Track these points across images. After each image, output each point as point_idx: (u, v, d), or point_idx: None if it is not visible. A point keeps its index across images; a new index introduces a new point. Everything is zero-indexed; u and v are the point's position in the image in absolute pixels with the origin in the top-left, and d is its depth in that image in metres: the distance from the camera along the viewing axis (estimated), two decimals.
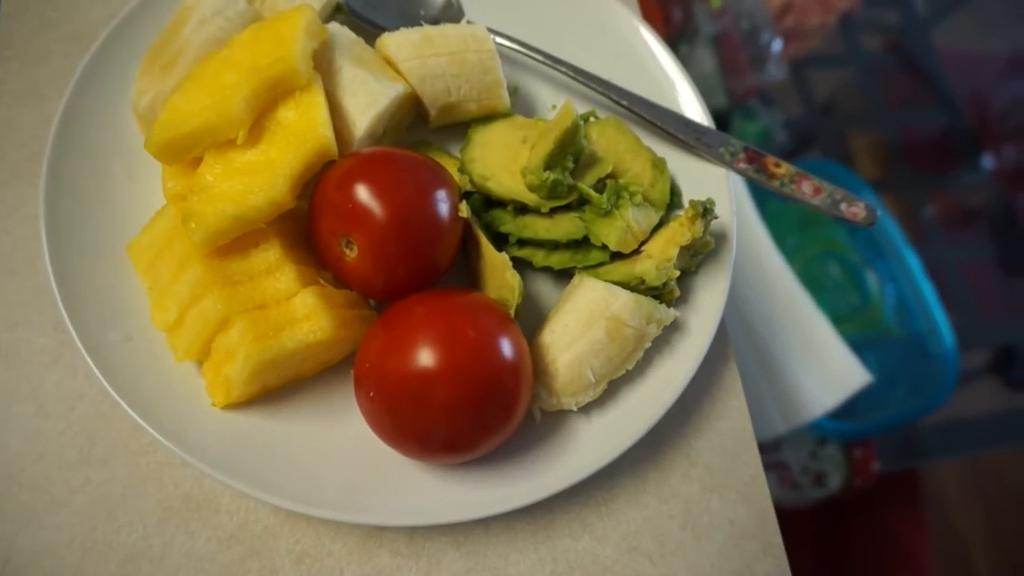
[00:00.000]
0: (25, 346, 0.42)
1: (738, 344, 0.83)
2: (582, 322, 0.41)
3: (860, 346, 0.96)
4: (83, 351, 0.38)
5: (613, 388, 0.44)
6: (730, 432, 0.48)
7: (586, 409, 0.43)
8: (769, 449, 1.06)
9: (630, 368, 0.43)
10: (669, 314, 0.43)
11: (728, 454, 0.47)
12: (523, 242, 0.45)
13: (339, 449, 0.40)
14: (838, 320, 0.95)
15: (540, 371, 0.41)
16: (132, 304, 0.41)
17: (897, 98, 1.44)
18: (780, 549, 0.46)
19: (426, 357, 0.36)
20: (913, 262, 1.09)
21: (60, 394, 0.42)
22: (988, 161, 1.41)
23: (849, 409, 1.02)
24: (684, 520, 0.45)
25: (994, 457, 1.37)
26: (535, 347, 0.42)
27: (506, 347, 0.37)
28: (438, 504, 0.39)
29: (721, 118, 1.19)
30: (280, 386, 0.41)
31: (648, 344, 0.43)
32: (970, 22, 1.57)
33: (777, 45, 1.16)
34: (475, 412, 0.37)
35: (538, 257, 0.45)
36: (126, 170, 0.45)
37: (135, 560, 0.39)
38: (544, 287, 0.47)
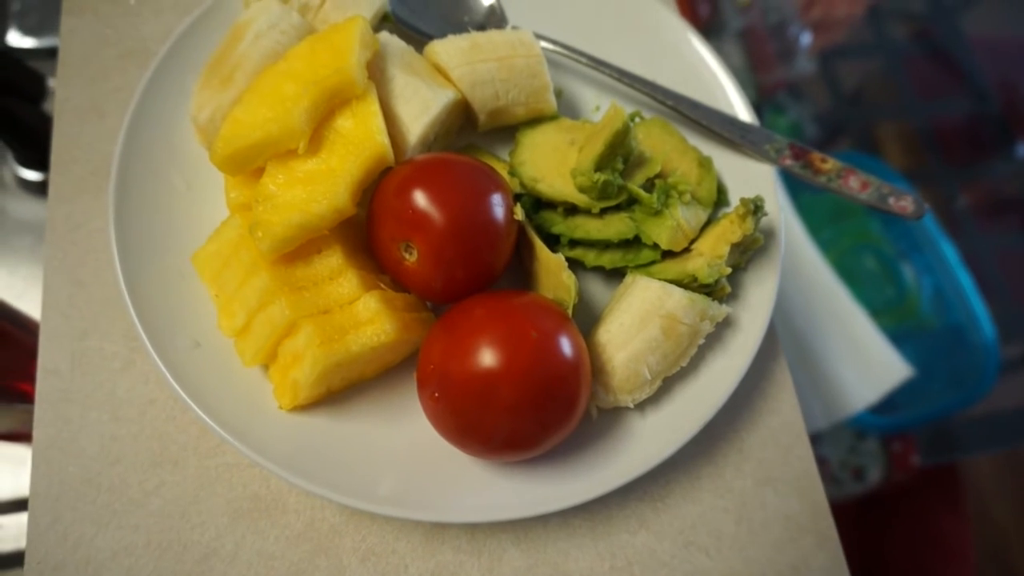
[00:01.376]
0: (97, 354, 0.44)
1: (781, 340, 0.84)
2: (637, 320, 0.42)
3: (898, 339, 0.96)
4: (154, 357, 0.40)
5: (667, 385, 0.44)
6: (781, 427, 0.48)
7: (641, 406, 0.44)
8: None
9: (684, 365, 0.43)
10: (722, 311, 0.44)
11: (780, 448, 0.48)
12: (574, 243, 0.46)
13: (400, 448, 0.41)
14: (875, 313, 0.95)
15: (597, 369, 0.42)
16: (198, 312, 0.42)
17: (926, 87, 1.42)
18: (835, 543, 0.46)
19: (489, 358, 0.37)
20: (949, 252, 1.08)
21: (132, 399, 0.43)
22: (1022, 149, 1.39)
23: (888, 403, 1.01)
24: (739, 515, 0.46)
25: None
26: (591, 346, 0.42)
27: (567, 347, 0.38)
28: (498, 501, 0.40)
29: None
30: (343, 388, 0.42)
31: (702, 341, 0.44)
32: (999, 8, 1.55)
33: (805, 38, 1.15)
34: (538, 411, 0.38)
35: (590, 257, 0.46)
36: (186, 182, 0.46)
37: (209, 559, 0.41)
38: (595, 287, 0.48)
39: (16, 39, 0.75)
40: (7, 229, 0.74)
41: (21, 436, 0.64)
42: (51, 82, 0.73)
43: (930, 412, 1.01)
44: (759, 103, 1.17)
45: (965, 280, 1.07)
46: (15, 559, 0.64)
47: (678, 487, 0.46)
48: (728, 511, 0.46)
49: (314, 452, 0.40)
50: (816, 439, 1.04)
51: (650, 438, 0.43)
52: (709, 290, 0.44)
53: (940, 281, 1.08)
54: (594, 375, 0.42)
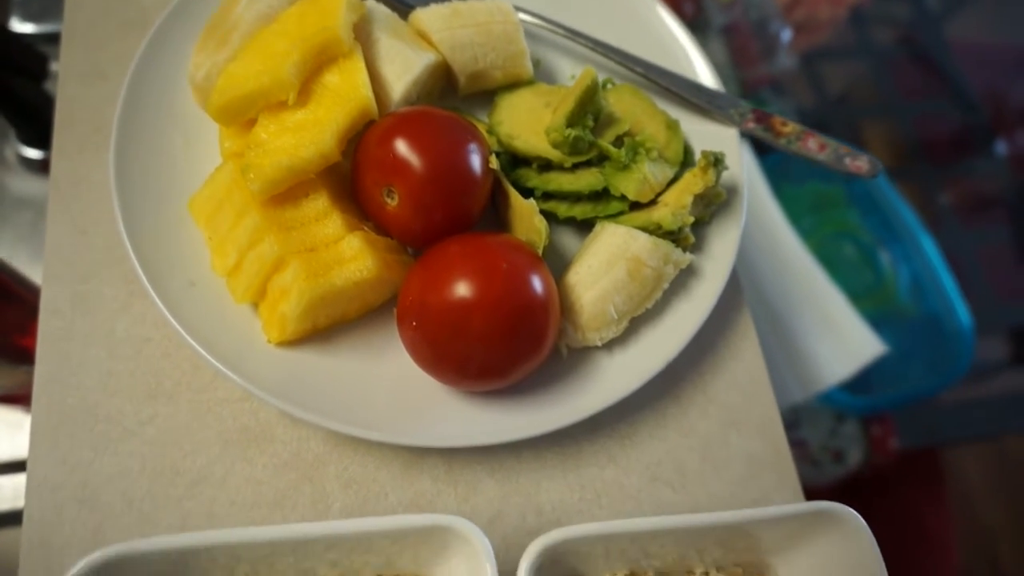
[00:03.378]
0: (96, 296, 0.47)
1: (756, 317, 0.87)
2: (604, 263, 0.45)
3: (876, 324, 0.99)
4: (152, 295, 0.43)
5: (634, 327, 0.47)
6: (745, 373, 0.51)
7: (609, 346, 0.47)
8: (788, 426, 1.08)
9: (650, 307, 0.46)
10: (685, 258, 0.46)
11: (744, 394, 0.50)
12: (547, 196, 0.49)
13: (382, 381, 0.44)
14: (853, 298, 0.97)
15: (566, 308, 0.44)
16: (193, 255, 0.45)
17: (910, 89, 1.46)
18: (796, 482, 0.49)
19: (463, 289, 0.40)
20: (928, 244, 1.11)
21: (129, 338, 0.46)
22: (1002, 147, 1.43)
23: (866, 384, 1.04)
24: (704, 453, 0.48)
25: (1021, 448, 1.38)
26: (562, 287, 0.45)
27: (536, 280, 0.41)
28: (474, 429, 0.43)
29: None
30: (328, 326, 0.45)
31: (666, 285, 0.46)
32: (982, 14, 1.59)
33: (786, 35, 1.19)
34: (509, 340, 0.40)
35: (562, 209, 0.49)
36: (185, 138, 0.49)
37: (199, 484, 0.43)
38: (568, 240, 0.51)
39: (18, 25, 0.79)
40: (8, 206, 0.77)
41: (20, 399, 0.66)
42: (54, 66, 0.76)
43: (908, 394, 1.04)
44: (742, 98, 1.20)
45: (942, 270, 1.10)
46: (12, 518, 0.67)
47: (645, 426, 0.48)
48: (693, 449, 0.48)
49: (301, 383, 0.43)
50: (796, 422, 1.06)
51: (617, 375, 0.45)
52: (674, 238, 0.47)
53: (918, 270, 1.11)
54: (564, 314, 0.44)
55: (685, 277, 0.49)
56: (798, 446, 1.06)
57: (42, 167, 0.77)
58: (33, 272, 0.68)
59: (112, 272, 0.47)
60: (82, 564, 0.32)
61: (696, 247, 0.50)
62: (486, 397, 0.44)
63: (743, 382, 0.51)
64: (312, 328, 0.44)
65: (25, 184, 0.78)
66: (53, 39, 0.75)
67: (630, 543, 0.39)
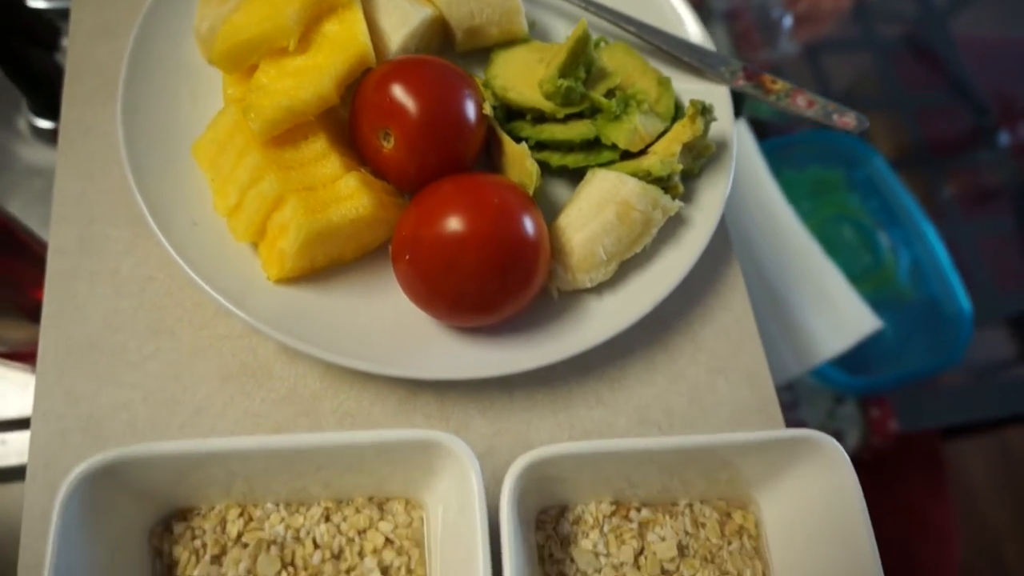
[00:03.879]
0: (102, 238, 0.48)
1: (753, 292, 0.88)
2: (595, 206, 0.46)
3: (874, 306, 1.00)
4: (158, 234, 0.44)
5: (623, 272, 0.48)
6: (734, 323, 0.52)
7: (599, 290, 0.48)
8: (786, 408, 1.09)
9: (638, 251, 0.47)
10: (673, 204, 0.48)
11: (732, 342, 0.51)
12: (541, 146, 0.50)
13: (378, 319, 0.45)
14: (852, 279, 0.98)
15: (557, 250, 0.46)
16: (195, 198, 0.47)
17: (913, 83, 1.46)
18: (781, 424, 0.50)
19: (455, 223, 0.41)
20: (928, 230, 1.12)
21: (133, 278, 0.47)
22: (1005, 138, 1.43)
23: (864, 367, 1.04)
24: (691, 397, 0.49)
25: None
26: (553, 230, 0.46)
27: (526, 217, 0.42)
28: (467, 363, 0.44)
29: (735, 94, 1.23)
30: (325, 266, 0.46)
31: (655, 231, 0.48)
32: (987, 10, 1.60)
33: (788, 20, 1.20)
34: (499, 272, 0.42)
35: (554, 159, 0.50)
36: (190, 90, 0.51)
37: (199, 415, 0.44)
38: (560, 190, 0.52)
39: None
40: (20, 174, 0.79)
41: (27, 356, 0.68)
42: (64, 41, 0.78)
43: (904, 375, 1.04)
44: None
45: (942, 255, 1.11)
46: (18, 473, 0.68)
47: (634, 371, 0.49)
48: (681, 394, 0.49)
49: (299, 318, 0.44)
50: (794, 402, 1.07)
51: (606, 317, 0.47)
52: (663, 185, 0.48)
53: (918, 254, 1.12)
54: (554, 255, 0.46)
55: (674, 226, 0.50)
56: (796, 426, 1.07)
57: (53, 137, 0.78)
58: (46, 231, 0.70)
59: (117, 216, 0.49)
60: (84, 466, 0.33)
61: (685, 198, 0.51)
62: (479, 334, 0.45)
63: (732, 331, 0.52)
64: (310, 266, 0.45)
65: (36, 153, 0.80)
66: (65, 15, 0.76)
67: (615, 470, 0.40)
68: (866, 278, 1.08)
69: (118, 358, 0.45)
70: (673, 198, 0.49)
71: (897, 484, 1.19)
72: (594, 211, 0.46)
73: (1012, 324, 1.30)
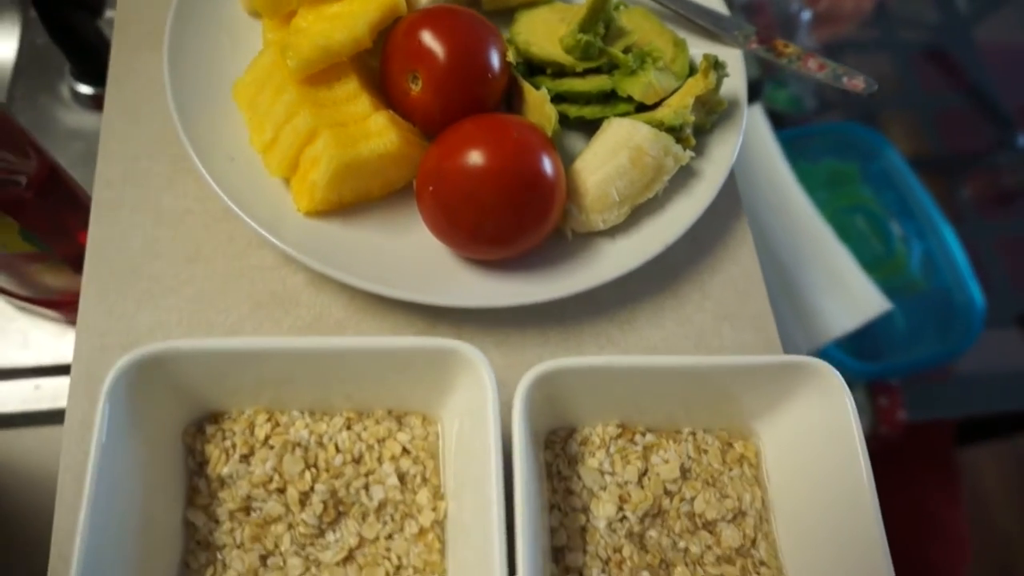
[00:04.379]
0: (145, 173, 0.51)
1: (764, 271, 0.90)
2: (609, 151, 0.48)
3: (886, 296, 1.01)
4: (198, 165, 0.47)
5: (636, 217, 0.50)
6: (741, 274, 0.54)
7: (612, 232, 0.50)
8: None
9: (650, 197, 0.50)
10: (685, 154, 0.50)
11: (739, 292, 0.54)
12: (560, 99, 0.53)
13: (403, 252, 0.48)
14: (864, 267, 1.00)
15: (572, 191, 0.48)
16: (233, 136, 0.50)
17: (932, 84, 1.47)
18: None
19: (476, 156, 0.44)
20: (941, 223, 1.13)
21: (173, 209, 0.50)
22: (1022, 139, 1.43)
23: (873, 351, 1.06)
24: (698, 341, 0.51)
25: None
26: (569, 173, 0.49)
27: (544, 155, 0.45)
28: (483, 293, 0.47)
29: (753, 86, 1.25)
30: (352, 201, 0.49)
31: (666, 178, 0.50)
32: (1013, 19, 1.60)
33: (806, 15, 1.22)
34: (516, 206, 0.44)
35: (572, 110, 0.52)
36: (231, 39, 0.54)
37: (231, 336, 0.47)
38: (577, 142, 0.54)
39: None
40: (62, 137, 0.82)
41: (63, 304, 0.70)
42: (109, 13, 0.82)
43: (914, 362, 1.05)
44: (761, 77, 1.24)
45: (955, 247, 1.11)
46: (53, 416, 0.71)
47: (643, 315, 0.52)
48: (688, 337, 0.51)
49: (328, 248, 0.47)
50: None
51: (618, 257, 0.49)
52: (676, 136, 0.51)
53: (930, 247, 1.13)
54: (569, 196, 0.48)
55: (685, 178, 0.52)
56: None
57: (94, 102, 0.82)
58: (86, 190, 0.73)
59: (161, 153, 0.52)
60: (131, 356, 0.36)
61: (697, 151, 0.53)
62: (497, 268, 0.48)
63: (739, 282, 0.54)
64: (338, 200, 0.48)
65: (78, 118, 0.83)
66: None
67: (622, 391, 0.42)
68: (877, 267, 1.09)
69: (156, 283, 0.48)
70: (684, 149, 0.51)
71: (907, 480, 1.19)
72: (608, 155, 0.48)
73: None
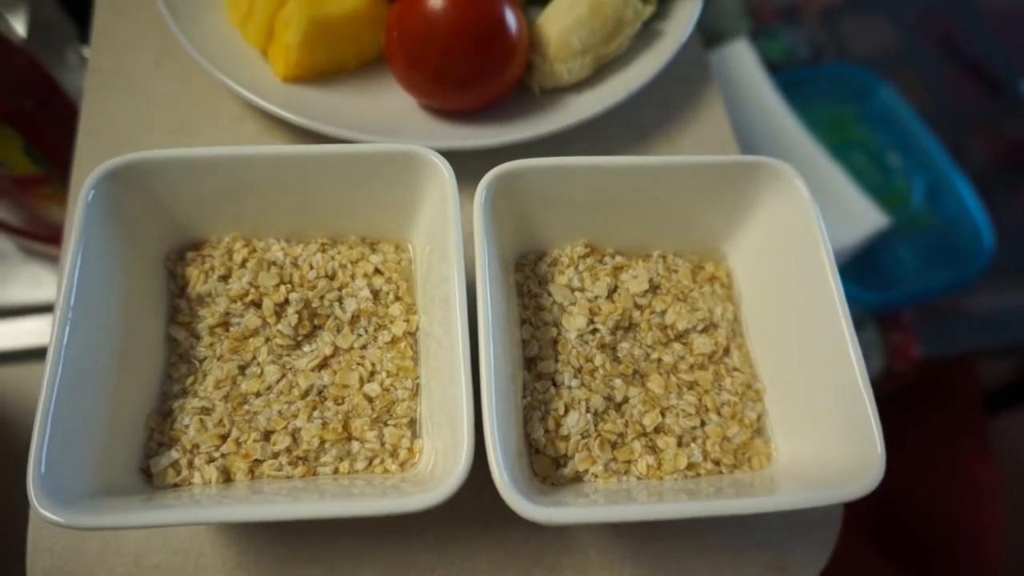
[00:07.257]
0: (134, 60, 0.54)
1: None
2: (569, 4, 0.50)
3: (890, 233, 1.01)
4: (187, 45, 0.49)
5: (602, 75, 0.52)
6: (712, 132, 0.55)
7: (578, 87, 0.52)
8: None
9: (614, 50, 0.51)
10: (645, 8, 0.52)
11: (711, 149, 0.55)
12: None
13: (377, 111, 0.50)
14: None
15: (536, 43, 0.50)
16: (216, 22, 0.53)
17: (935, 42, 1.47)
18: None
19: (436, 1, 0.46)
20: (941, 157, 1.12)
21: (160, 91, 0.53)
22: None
23: (881, 282, 1.05)
24: None
25: None
26: (532, 29, 0.51)
27: (506, 5, 0.47)
28: (455, 136, 0.48)
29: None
30: (328, 69, 0.51)
31: (629, 31, 0.51)
32: None
33: None
34: (474, 48, 0.46)
35: None
36: None
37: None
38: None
39: None
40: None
41: (49, 238, 0.72)
42: None
43: (923, 290, 1.04)
44: (753, 30, 1.25)
45: (957, 179, 1.11)
46: (34, 354, 0.73)
47: None
48: None
49: (307, 108, 0.49)
50: None
51: (585, 105, 0.50)
52: None
53: (932, 181, 1.12)
54: (534, 48, 0.50)
55: (650, 37, 0.54)
56: None
57: None
58: None
59: (148, 43, 0.55)
60: (107, 164, 0.38)
61: (660, 15, 0.55)
62: (469, 119, 0.50)
63: (711, 140, 0.55)
64: (313, 65, 0.50)
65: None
66: None
67: (592, 209, 0.43)
68: (880, 199, 1.09)
69: (147, 146, 0.51)
70: (645, 4, 0.53)
71: (935, 437, 1.16)
72: (568, 7, 0.50)
73: None
